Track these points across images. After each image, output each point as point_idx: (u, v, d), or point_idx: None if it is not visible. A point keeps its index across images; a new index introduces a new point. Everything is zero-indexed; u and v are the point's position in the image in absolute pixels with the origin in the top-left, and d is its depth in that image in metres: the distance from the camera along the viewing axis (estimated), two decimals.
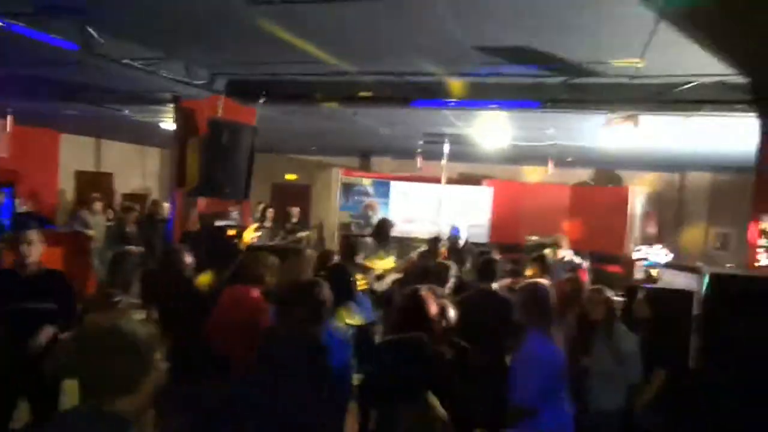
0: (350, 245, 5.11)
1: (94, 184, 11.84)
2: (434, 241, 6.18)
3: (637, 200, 9.98)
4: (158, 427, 2.50)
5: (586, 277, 5.39)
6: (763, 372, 3.91)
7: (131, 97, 6.47)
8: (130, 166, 13.02)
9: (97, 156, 12.29)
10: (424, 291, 2.97)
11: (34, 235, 3.69)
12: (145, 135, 10.62)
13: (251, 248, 5.50)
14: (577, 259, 7.16)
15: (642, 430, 3.83)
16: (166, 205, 8.38)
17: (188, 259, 4.25)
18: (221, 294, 3.67)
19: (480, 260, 4.70)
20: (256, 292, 3.54)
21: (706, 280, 4.42)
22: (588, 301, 3.77)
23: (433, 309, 2.90)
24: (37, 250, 3.67)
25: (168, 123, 7.70)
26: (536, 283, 3.28)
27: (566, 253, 7.28)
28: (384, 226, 6.93)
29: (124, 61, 4.81)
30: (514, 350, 3.17)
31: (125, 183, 12.90)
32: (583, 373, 3.67)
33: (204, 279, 3.96)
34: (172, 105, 6.22)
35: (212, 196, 6.01)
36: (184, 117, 6.10)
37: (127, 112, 7.65)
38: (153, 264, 8.20)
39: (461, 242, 6.69)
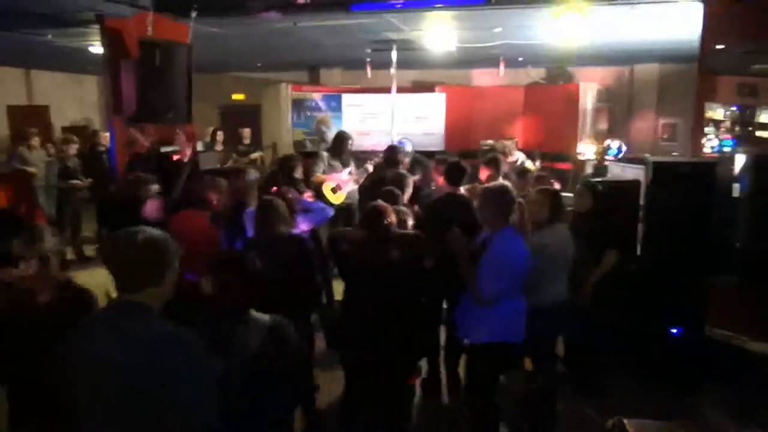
0: (286, 162, 5.01)
1: (28, 118, 11.22)
2: (390, 150, 5.99)
3: (588, 96, 10.00)
4: None
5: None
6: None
7: (50, 19, 5.98)
8: (66, 97, 12.33)
9: (28, 88, 11.56)
10: (381, 203, 3.01)
11: None
12: (77, 62, 9.97)
13: (198, 172, 5.40)
14: (528, 162, 7.27)
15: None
16: (107, 135, 8.04)
17: (152, 186, 4.20)
18: (170, 220, 3.59)
19: (447, 165, 4.66)
20: (203, 219, 3.47)
21: (650, 168, 4.56)
22: (533, 202, 3.73)
23: (392, 218, 3.00)
24: None
25: (98, 47, 7.23)
26: (501, 185, 3.26)
27: (518, 156, 7.38)
28: (340, 140, 6.88)
29: None
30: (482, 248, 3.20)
31: (63, 115, 12.25)
32: None
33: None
34: (97, 26, 5.81)
35: (152, 122, 5.73)
36: (112, 38, 5.70)
37: (50, 36, 7.11)
38: (100, 194, 8.05)
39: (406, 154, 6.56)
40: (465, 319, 3.28)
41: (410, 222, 3.63)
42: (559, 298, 3.64)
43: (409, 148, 6.92)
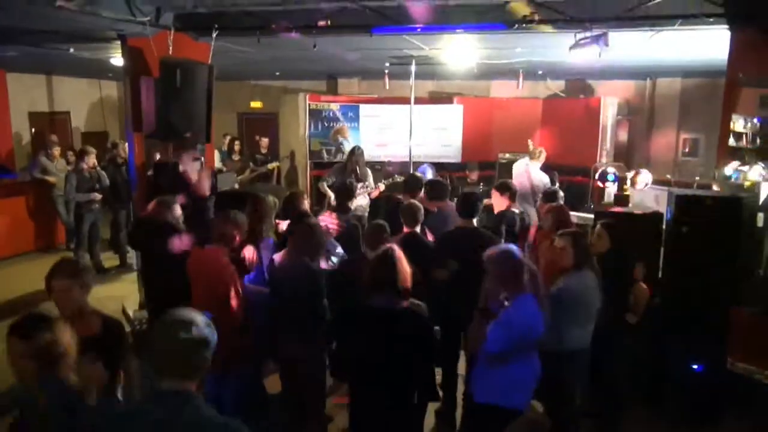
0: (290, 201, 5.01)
1: (50, 124, 11.35)
2: (412, 178, 5.81)
3: (609, 110, 9.88)
4: None
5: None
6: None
7: (73, 37, 6.03)
8: (87, 103, 12.44)
9: (49, 94, 11.67)
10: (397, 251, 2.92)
11: None
12: (98, 69, 10.06)
13: (218, 194, 5.40)
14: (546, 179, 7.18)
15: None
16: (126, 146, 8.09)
17: (177, 210, 4.22)
18: (190, 254, 3.59)
19: (461, 196, 4.61)
20: (222, 256, 3.47)
21: (674, 201, 4.48)
22: (557, 248, 3.63)
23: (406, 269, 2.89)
24: None
25: (119, 58, 7.29)
26: (503, 251, 3.05)
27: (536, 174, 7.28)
28: (348, 156, 7.26)
29: (58, 3, 4.41)
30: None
31: (83, 121, 12.37)
32: None
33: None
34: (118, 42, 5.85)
35: (171, 140, 5.76)
36: (133, 57, 5.74)
37: (72, 50, 7.17)
38: (119, 207, 8.12)
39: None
40: (475, 375, 3.21)
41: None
42: (581, 345, 3.57)
43: (430, 174, 6.91)
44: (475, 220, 4.51)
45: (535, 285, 2.93)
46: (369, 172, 7.43)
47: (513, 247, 3.11)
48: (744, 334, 4.72)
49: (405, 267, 2.88)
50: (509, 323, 2.89)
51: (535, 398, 4.05)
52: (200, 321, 1.84)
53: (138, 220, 5.14)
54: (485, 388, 3.05)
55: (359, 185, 7.03)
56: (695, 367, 4.45)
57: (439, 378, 3.90)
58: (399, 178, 7.63)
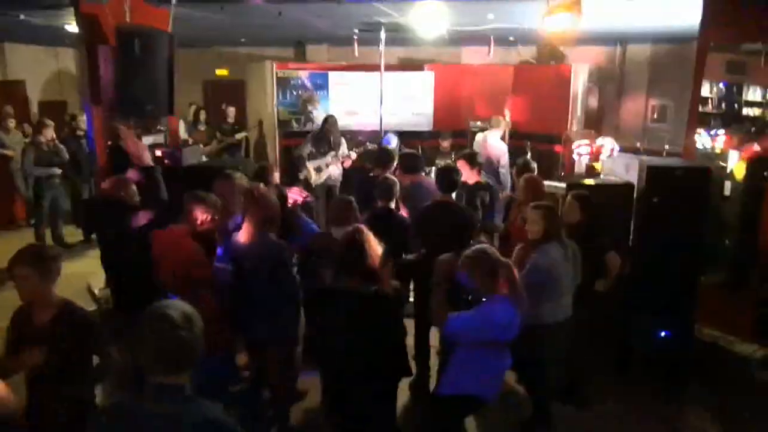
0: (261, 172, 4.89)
1: (4, 94, 10.83)
2: (383, 152, 5.64)
3: (580, 77, 9.84)
4: None
5: None
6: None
7: (23, 2, 5.69)
8: (43, 71, 11.89)
9: (2, 62, 11.12)
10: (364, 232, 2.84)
11: None
12: (53, 37, 9.59)
13: (186, 169, 5.22)
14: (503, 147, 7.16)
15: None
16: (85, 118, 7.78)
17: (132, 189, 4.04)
18: (153, 236, 3.45)
19: (439, 170, 4.53)
20: (189, 239, 3.35)
21: (644, 172, 4.49)
22: (528, 220, 3.61)
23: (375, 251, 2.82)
24: None
25: (74, 26, 6.93)
26: (478, 251, 2.95)
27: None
28: (322, 125, 7.21)
29: None
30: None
31: (40, 90, 11.85)
32: None
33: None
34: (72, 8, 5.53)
35: (132, 115, 5.51)
36: (87, 25, 5.41)
37: (23, 17, 6.79)
38: (81, 181, 7.84)
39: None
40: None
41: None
42: (555, 319, 3.57)
43: (394, 143, 6.85)
44: (453, 194, 4.47)
45: (512, 285, 2.87)
46: (343, 141, 7.41)
47: (488, 247, 3.03)
48: (710, 302, 4.82)
49: (374, 248, 2.82)
50: (480, 321, 2.85)
51: (515, 373, 4.14)
52: (194, 316, 1.83)
53: (87, 202, 4.94)
54: (453, 378, 3.04)
55: (331, 154, 7.01)
56: (663, 334, 4.54)
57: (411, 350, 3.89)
58: (371, 146, 7.58)
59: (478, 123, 9.86)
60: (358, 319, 2.73)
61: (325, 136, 7.10)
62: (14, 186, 8.40)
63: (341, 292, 2.79)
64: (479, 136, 7.55)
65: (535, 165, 5.35)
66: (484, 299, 2.90)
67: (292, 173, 5.90)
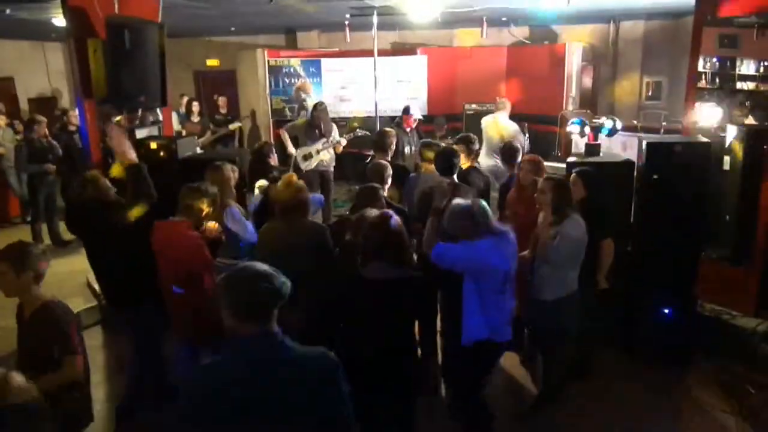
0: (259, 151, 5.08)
1: None
2: (380, 135, 5.55)
3: (574, 56, 9.78)
4: None
5: None
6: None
7: None
8: (32, 67, 11.74)
9: None
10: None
11: None
12: (41, 31, 9.45)
13: (181, 161, 5.15)
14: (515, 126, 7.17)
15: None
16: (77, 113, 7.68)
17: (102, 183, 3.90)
18: (153, 229, 3.41)
19: (438, 153, 4.48)
20: (188, 229, 3.31)
21: (644, 149, 4.47)
22: (539, 192, 3.67)
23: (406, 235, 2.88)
24: None
25: (61, 19, 6.83)
26: (466, 206, 3.10)
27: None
28: (312, 112, 7.22)
29: None
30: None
31: (29, 86, 11.70)
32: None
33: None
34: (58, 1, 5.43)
35: (123, 107, 5.44)
36: (75, 17, 5.31)
37: (8, 11, 6.67)
38: (75, 177, 7.76)
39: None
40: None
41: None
42: (573, 289, 3.69)
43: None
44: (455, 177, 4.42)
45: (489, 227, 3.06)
46: (334, 126, 7.41)
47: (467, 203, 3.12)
48: (711, 277, 4.83)
49: (404, 232, 2.85)
50: (467, 252, 3.02)
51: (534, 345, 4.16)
52: (275, 274, 1.90)
53: (69, 204, 4.79)
54: (468, 327, 3.13)
55: (322, 141, 7.01)
56: (666, 311, 4.54)
57: None
58: (361, 133, 7.61)
59: (473, 106, 9.83)
60: (389, 304, 2.72)
61: (315, 123, 7.09)
62: (7, 184, 8.32)
63: (375, 279, 2.77)
64: (488, 118, 7.50)
65: (520, 147, 5.34)
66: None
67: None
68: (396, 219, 2.84)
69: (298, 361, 1.87)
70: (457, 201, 3.16)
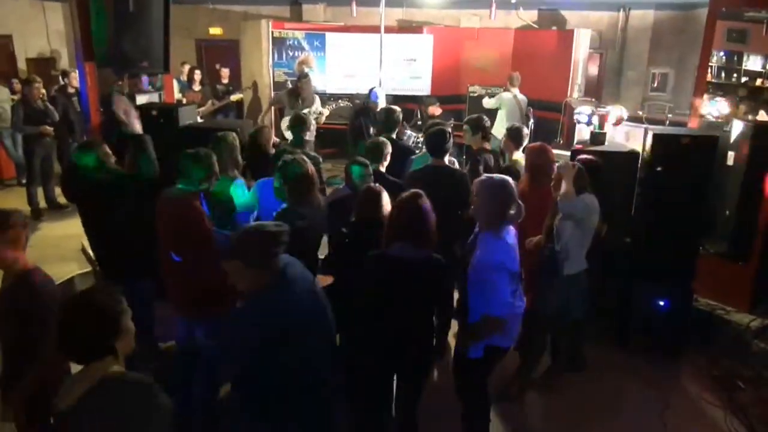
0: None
1: None
2: (386, 113, 5.39)
3: (582, 43, 9.67)
4: None
5: None
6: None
7: None
8: (31, 26, 11.53)
9: None
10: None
11: None
12: None
13: (182, 129, 5.08)
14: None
15: None
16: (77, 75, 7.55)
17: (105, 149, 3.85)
18: (158, 198, 3.37)
19: (429, 133, 4.42)
20: (194, 200, 3.28)
21: (650, 140, 4.43)
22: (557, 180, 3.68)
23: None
24: None
25: None
26: (502, 180, 2.95)
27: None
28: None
29: None
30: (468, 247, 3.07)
31: (28, 46, 11.51)
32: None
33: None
34: None
35: (125, 71, 5.35)
36: None
37: None
38: (73, 141, 7.66)
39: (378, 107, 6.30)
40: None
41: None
42: (584, 266, 3.78)
43: (381, 99, 6.77)
44: (446, 159, 4.37)
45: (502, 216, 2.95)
46: (317, 98, 7.58)
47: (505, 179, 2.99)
48: (709, 272, 4.83)
49: (431, 213, 2.80)
50: (484, 267, 2.87)
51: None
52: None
53: (66, 170, 4.72)
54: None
55: (305, 111, 7.13)
56: (661, 303, 4.55)
57: None
58: (342, 104, 7.66)
59: (477, 87, 9.72)
60: (409, 284, 2.71)
61: (297, 93, 7.25)
62: (2, 144, 8.20)
63: (394, 257, 2.75)
64: (507, 95, 8.06)
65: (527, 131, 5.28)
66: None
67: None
68: (427, 202, 2.81)
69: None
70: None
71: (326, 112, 7.34)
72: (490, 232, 2.90)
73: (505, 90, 8.29)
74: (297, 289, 2.37)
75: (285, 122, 7.06)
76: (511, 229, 3.04)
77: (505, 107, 7.99)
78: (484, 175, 3.08)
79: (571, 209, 3.57)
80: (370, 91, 6.90)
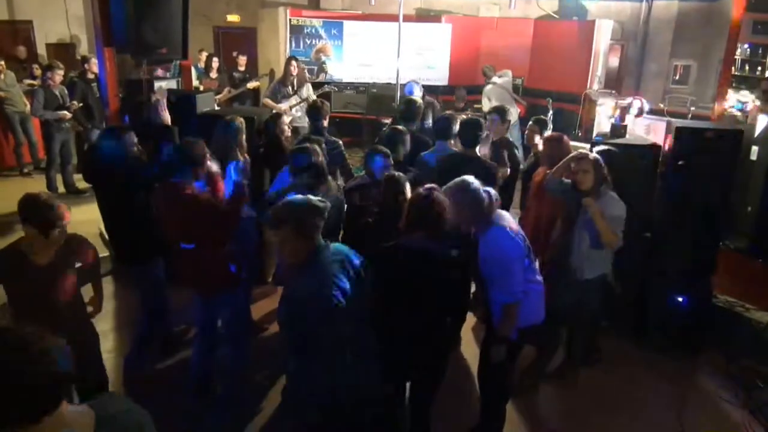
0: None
1: (10, 34, 10.62)
2: (407, 104, 5.36)
3: (603, 34, 9.52)
4: None
5: None
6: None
7: None
8: (51, 12, 11.58)
9: (9, 2, 10.82)
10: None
11: None
12: None
13: (199, 116, 5.09)
14: None
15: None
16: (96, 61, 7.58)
17: (132, 139, 3.88)
18: (158, 190, 3.38)
19: (462, 124, 4.40)
20: (193, 188, 3.29)
21: (674, 133, 4.35)
22: (575, 172, 3.61)
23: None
24: None
25: None
26: (463, 181, 2.95)
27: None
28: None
29: None
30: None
31: (48, 31, 11.57)
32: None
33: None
34: None
35: (144, 57, 5.36)
36: None
37: None
38: (92, 127, 7.72)
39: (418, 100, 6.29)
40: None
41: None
42: (604, 270, 3.76)
43: (417, 92, 6.66)
44: (477, 149, 4.37)
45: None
46: (308, 85, 7.65)
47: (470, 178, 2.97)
48: (729, 269, 4.75)
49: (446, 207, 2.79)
50: (495, 257, 2.88)
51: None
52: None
53: (86, 154, 4.83)
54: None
55: (294, 97, 7.34)
56: (680, 299, 4.49)
57: None
58: (328, 88, 8.10)
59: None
60: (425, 275, 2.70)
61: (287, 79, 7.34)
62: (12, 129, 8.24)
63: (408, 248, 2.73)
64: (488, 87, 8.47)
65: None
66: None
67: None
68: (441, 194, 2.80)
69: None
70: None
71: (313, 96, 7.39)
72: (482, 230, 2.94)
73: (485, 85, 8.60)
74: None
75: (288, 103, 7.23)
76: (504, 214, 3.05)
77: (493, 96, 8.27)
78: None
79: (619, 211, 3.52)
80: (407, 84, 6.94)
